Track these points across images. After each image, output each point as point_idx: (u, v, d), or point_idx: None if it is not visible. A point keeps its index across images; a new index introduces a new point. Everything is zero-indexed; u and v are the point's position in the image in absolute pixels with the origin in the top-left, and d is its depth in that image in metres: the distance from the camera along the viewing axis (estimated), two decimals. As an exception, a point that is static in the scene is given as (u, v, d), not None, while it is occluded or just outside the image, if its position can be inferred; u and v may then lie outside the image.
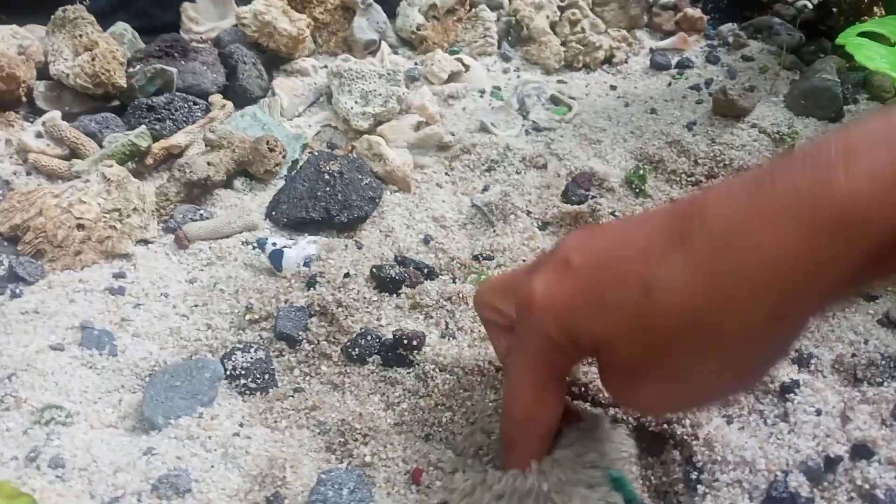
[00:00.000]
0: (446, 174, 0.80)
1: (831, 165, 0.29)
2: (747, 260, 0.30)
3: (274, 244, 0.64)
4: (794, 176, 0.30)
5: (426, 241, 0.70)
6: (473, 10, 1.01)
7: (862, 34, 0.74)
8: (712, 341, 0.32)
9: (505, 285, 0.45)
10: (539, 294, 0.38)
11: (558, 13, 1.02)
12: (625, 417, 0.49)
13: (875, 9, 1.03)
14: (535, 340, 0.39)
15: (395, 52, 0.98)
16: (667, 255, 0.33)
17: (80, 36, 0.80)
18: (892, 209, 0.28)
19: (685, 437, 0.48)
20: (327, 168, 0.72)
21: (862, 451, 0.46)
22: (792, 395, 0.50)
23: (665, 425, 0.48)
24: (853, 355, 0.55)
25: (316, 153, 0.76)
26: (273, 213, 0.71)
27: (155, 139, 0.75)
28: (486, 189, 0.77)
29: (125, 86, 0.79)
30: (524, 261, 0.67)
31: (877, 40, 0.74)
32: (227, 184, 0.75)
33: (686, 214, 0.34)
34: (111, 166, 0.67)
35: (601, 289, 0.36)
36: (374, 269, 0.62)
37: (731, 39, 1.02)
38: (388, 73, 0.85)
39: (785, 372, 0.52)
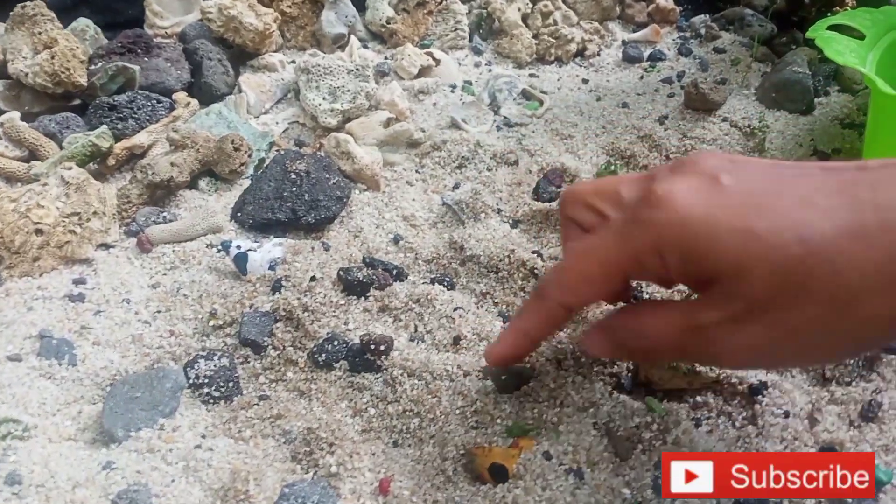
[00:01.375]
0: (416, 171, 0.79)
1: None
2: None
3: (238, 247, 0.63)
4: None
5: (396, 240, 0.69)
6: (444, 2, 1.00)
7: (832, 27, 0.73)
8: (843, 309, 0.33)
9: (601, 185, 0.44)
10: (681, 197, 0.36)
11: (530, 5, 1.00)
12: (594, 422, 0.49)
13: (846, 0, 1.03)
14: (641, 236, 0.38)
15: (365, 46, 0.96)
16: (832, 212, 0.33)
17: (40, 33, 0.78)
18: None
19: (653, 441, 0.47)
20: (294, 167, 0.71)
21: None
22: (760, 396, 0.50)
23: (633, 429, 0.48)
24: (822, 354, 0.54)
25: (282, 152, 0.75)
26: (238, 214, 0.70)
27: (117, 139, 0.74)
28: (456, 187, 0.76)
29: (86, 84, 0.77)
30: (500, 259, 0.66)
31: (847, 33, 0.74)
32: (192, 184, 0.73)
33: (854, 182, 0.34)
34: (70, 168, 0.65)
35: (755, 219, 0.34)
36: (342, 272, 0.61)
37: (703, 31, 1.01)
38: (357, 69, 0.84)
39: (753, 372, 0.52)
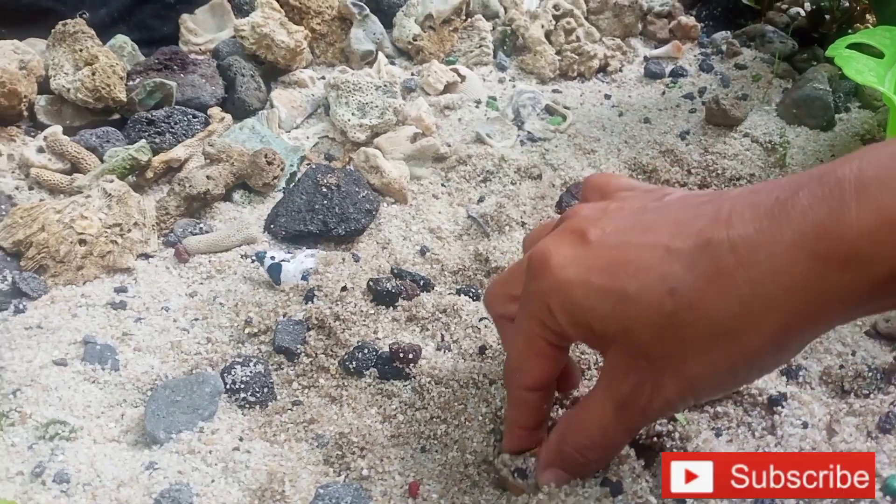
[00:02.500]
0: (442, 185, 0.81)
1: (845, 201, 0.31)
2: (766, 280, 0.33)
3: (272, 258, 0.66)
4: (813, 205, 0.32)
5: (422, 252, 0.71)
6: (469, 19, 1.02)
7: (851, 46, 0.75)
8: (728, 346, 0.35)
9: (511, 274, 0.47)
10: (554, 261, 0.39)
11: (553, 22, 1.03)
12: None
13: (868, 16, 1.04)
14: (536, 305, 0.40)
15: (392, 63, 0.99)
16: (693, 258, 0.35)
17: (81, 50, 0.81)
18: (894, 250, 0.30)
19: (675, 449, 0.49)
20: (325, 181, 0.73)
21: (846, 464, 0.47)
22: (779, 407, 0.51)
23: (655, 438, 0.49)
24: (841, 367, 0.56)
25: (314, 166, 0.77)
26: (271, 226, 0.72)
27: (155, 152, 0.77)
28: (481, 200, 0.78)
29: (125, 100, 0.80)
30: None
31: (867, 52, 0.75)
32: (227, 197, 0.76)
33: (713, 218, 0.35)
34: (112, 181, 0.68)
35: (623, 278, 0.36)
36: (371, 283, 0.63)
37: (724, 47, 1.03)
38: (385, 85, 0.86)
39: (773, 385, 0.53)
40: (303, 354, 0.59)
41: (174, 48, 0.90)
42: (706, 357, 0.35)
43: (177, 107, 0.82)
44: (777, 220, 0.33)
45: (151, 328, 0.62)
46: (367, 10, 0.97)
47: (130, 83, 0.83)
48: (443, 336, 0.61)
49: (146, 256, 0.68)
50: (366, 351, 0.58)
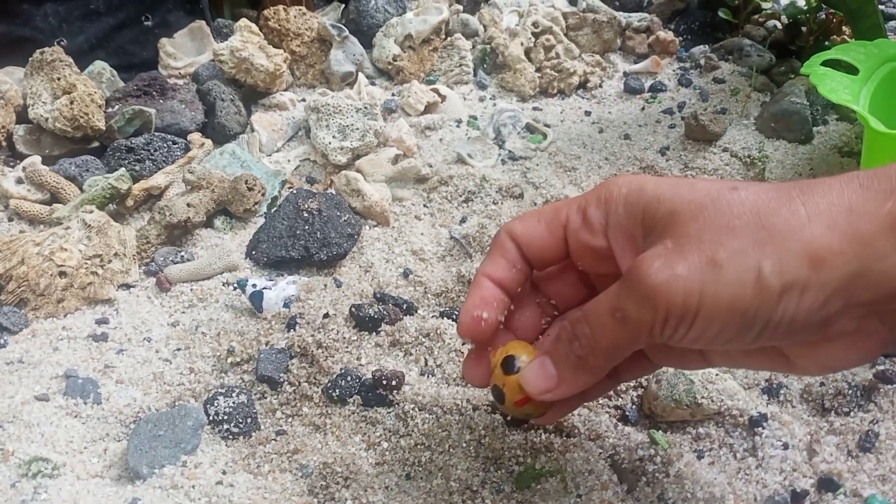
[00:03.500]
0: (424, 206, 0.81)
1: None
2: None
3: (254, 285, 0.65)
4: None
5: (405, 274, 0.71)
6: (449, 38, 1.03)
7: (826, 62, 0.76)
8: (766, 247, 0.33)
9: (552, 215, 0.43)
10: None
11: (533, 39, 1.03)
12: (601, 451, 0.51)
13: (844, 27, 1.05)
14: (584, 196, 0.41)
15: (373, 83, 0.99)
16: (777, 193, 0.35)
17: (59, 79, 0.81)
18: None
19: (657, 473, 0.49)
20: (306, 206, 0.73)
21: (827, 485, 0.47)
22: (760, 428, 0.51)
23: (637, 462, 0.50)
24: (821, 384, 0.56)
25: (294, 191, 0.77)
26: (253, 252, 0.72)
27: (135, 180, 0.77)
28: (463, 221, 0.78)
29: (104, 128, 0.80)
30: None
31: (842, 68, 0.76)
32: (208, 223, 0.76)
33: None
34: (91, 211, 0.68)
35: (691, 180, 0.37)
36: (353, 309, 0.63)
37: (702, 61, 1.04)
38: (365, 107, 0.86)
39: (754, 404, 0.54)
40: (286, 383, 0.59)
41: (153, 74, 0.90)
42: (738, 246, 0.33)
43: (156, 133, 0.82)
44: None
45: (133, 359, 0.62)
46: (347, 31, 0.97)
47: (109, 110, 0.83)
48: (426, 361, 0.61)
49: (127, 287, 0.68)
50: (349, 378, 0.58)
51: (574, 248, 0.42)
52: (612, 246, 0.40)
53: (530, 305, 0.46)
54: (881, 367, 0.57)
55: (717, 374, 0.55)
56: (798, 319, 0.32)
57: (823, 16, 1.04)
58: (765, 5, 1.06)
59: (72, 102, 0.78)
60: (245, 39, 0.90)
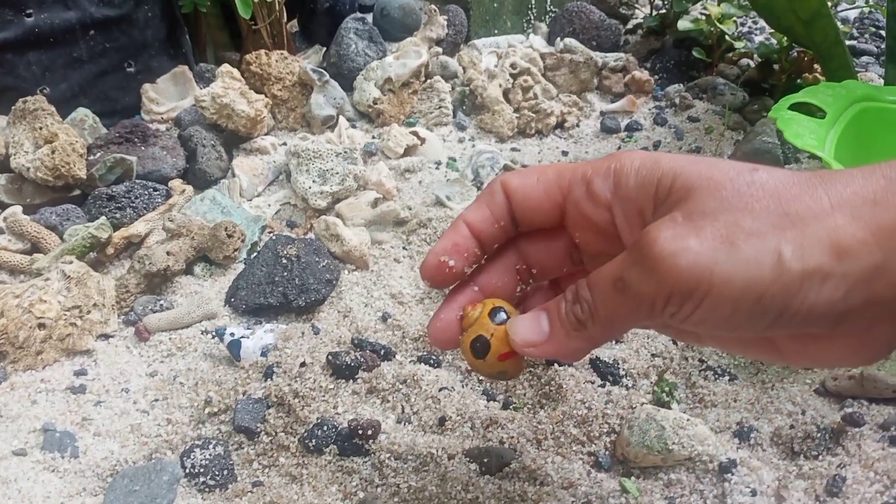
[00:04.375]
0: (404, 248, 0.82)
1: None
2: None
3: (232, 334, 0.66)
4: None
5: (384, 318, 0.72)
6: (429, 81, 1.05)
7: (795, 105, 0.77)
8: (787, 231, 0.31)
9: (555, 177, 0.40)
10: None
11: (511, 80, 1.05)
12: (573, 500, 0.51)
13: (815, 65, 1.07)
14: (596, 162, 0.38)
15: (354, 126, 1.00)
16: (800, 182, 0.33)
17: (41, 128, 0.81)
18: None
19: (628, 522, 0.50)
20: (285, 252, 0.74)
21: (794, 531, 0.48)
22: (729, 474, 0.52)
23: (610, 510, 0.50)
24: (791, 426, 0.57)
25: (274, 237, 0.78)
26: (232, 299, 0.73)
27: (116, 227, 0.77)
28: (442, 263, 0.79)
29: (85, 177, 0.81)
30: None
31: (810, 111, 0.78)
32: (188, 270, 0.76)
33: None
34: (71, 262, 0.68)
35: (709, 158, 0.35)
36: (330, 357, 0.63)
37: (677, 100, 1.06)
38: (345, 151, 0.87)
39: (724, 448, 0.55)
40: (263, 433, 0.59)
41: (135, 121, 0.91)
42: (756, 227, 0.31)
43: (137, 180, 0.83)
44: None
45: (111, 411, 0.62)
46: (327, 76, 0.99)
47: (91, 157, 0.84)
48: (403, 408, 0.62)
49: (106, 337, 0.69)
50: (325, 428, 0.58)
51: (573, 218, 0.39)
52: (616, 220, 0.38)
53: (509, 270, 0.43)
54: (849, 410, 0.58)
55: (687, 420, 0.56)
56: (816, 310, 0.30)
57: (795, 54, 1.06)
58: (738, 44, 1.08)
59: (53, 152, 0.79)
60: (226, 85, 0.91)
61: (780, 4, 0.93)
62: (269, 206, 0.87)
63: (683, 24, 1.08)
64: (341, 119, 0.98)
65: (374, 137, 0.97)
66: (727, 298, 0.30)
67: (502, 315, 0.39)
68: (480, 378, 0.65)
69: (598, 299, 0.35)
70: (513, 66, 1.06)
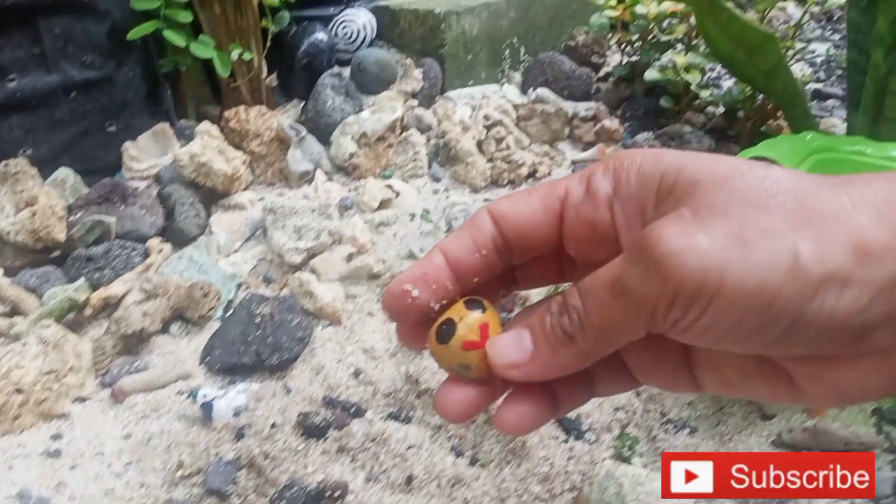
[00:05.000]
0: (377, 302, 0.84)
1: None
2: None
3: (205, 395, 0.68)
4: None
5: (356, 374, 0.74)
6: (404, 133, 1.07)
7: (754, 158, 0.80)
8: (804, 229, 0.28)
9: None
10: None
11: (485, 132, 1.08)
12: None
13: (779, 112, 1.10)
14: (592, 167, 0.33)
15: (330, 179, 1.03)
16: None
17: (22, 191, 0.84)
18: None
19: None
20: (258, 311, 0.76)
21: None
22: (683, 531, 0.54)
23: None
24: (747, 480, 0.58)
25: (248, 296, 0.80)
26: (207, 358, 0.74)
27: (94, 287, 0.79)
28: (414, 317, 0.81)
29: (64, 240, 0.82)
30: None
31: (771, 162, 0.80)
32: (164, 329, 0.78)
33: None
34: (48, 326, 0.70)
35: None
36: (301, 417, 0.65)
37: (646, 148, 1.08)
38: (320, 207, 0.90)
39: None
40: (234, 495, 0.60)
41: (115, 180, 0.93)
42: (771, 224, 0.28)
43: (116, 240, 0.85)
44: None
45: (86, 475, 0.63)
46: (304, 132, 1.02)
47: (72, 218, 0.86)
48: (372, 467, 0.64)
49: (82, 399, 0.70)
50: (294, 489, 0.60)
51: (570, 225, 0.35)
52: (616, 221, 0.33)
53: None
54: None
55: (646, 475, 0.57)
56: (835, 320, 0.27)
57: (760, 101, 1.09)
58: (703, 93, 1.11)
59: (34, 215, 0.81)
60: (205, 144, 0.94)
61: (741, 58, 0.96)
62: (246, 262, 0.89)
63: (651, 74, 1.11)
64: (318, 173, 1.01)
65: (350, 191, 1.00)
66: (737, 302, 0.27)
67: (477, 305, 0.35)
68: (449, 434, 0.67)
69: (591, 306, 0.31)
70: (486, 117, 1.09)
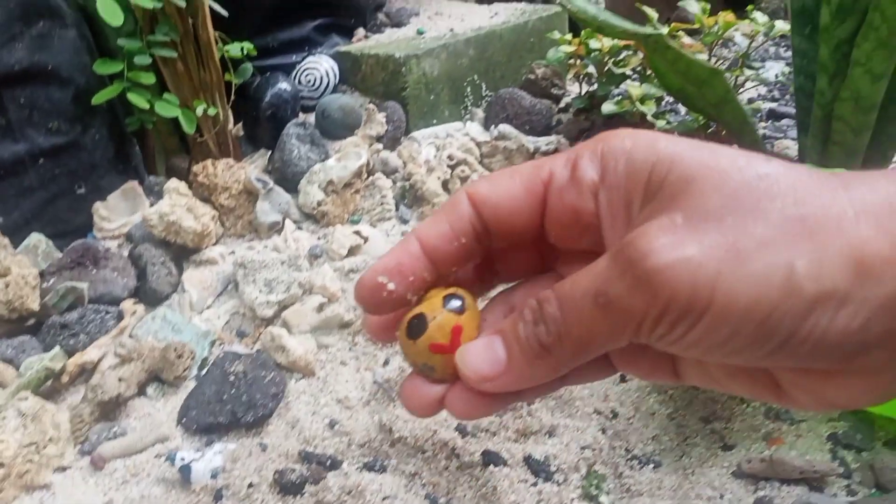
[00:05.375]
0: (349, 350, 0.86)
1: None
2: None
3: (182, 458, 0.69)
4: None
5: (331, 425, 0.76)
6: (370, 178, 1.10)
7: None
8: (802, 243, 0.27)
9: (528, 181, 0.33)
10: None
11: (449, 172, 1.10)
12: None
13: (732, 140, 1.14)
14: (579, 148, 0.31)
15: (300, 228, 1.05)
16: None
17: (-6, 262, 0.85)
18: None
19: None
20: (232, 369, 0.78)
21: None
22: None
23: None
24: None
25: (221, 354, 0.82)
26: (184, 419, 0.76)
27: (70, 354, 0.81)
28: (386, 363, 0.83)
29: (38, 309, 0.84)
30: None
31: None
32: (141, 391, 0.80)
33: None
34: (26, 398, 0.72)
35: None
36: (277, 475, 0.67)
37: (607, 180, 1.11)
38: (290, 259, 0.92)
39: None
40: (214, 558, 0.62)
41: (87, 242, 0.94)
42: (767, 235, 0.26)
43: (89, 305, 0.86)
44: None
45: (69, 546, 0.65)
46: (272, 183, 1.04)
47: (45, 284, 0.87)
48: (348, 521, 0.65)
49: (63, 469, 0.72)
50: (273, 548, 0.61)
51: (553, 211, 0.32)
52: (600, 211, 0.32)
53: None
54: (761, 494, 0.62)
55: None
56: (828, 339, 0.26)
57: (714, 128, 1.12)
58: (659, 122, 1.14)
59: (7, 286, 0.82)
60: (173, 203, 0.96)
61: (690, 91, 0.99)
62: (219, 317, 0.91)
63: (607, 107, 1.14)
64: (287, 223, 1.03)
65: (319, 239, 1.02)
66: (728, 318, 0.26)
67: (456, 302, 0.32)
68: (423, 481, 0.69)
69: (570, 317, 0.29)
70: (450, 157, 1.12)
